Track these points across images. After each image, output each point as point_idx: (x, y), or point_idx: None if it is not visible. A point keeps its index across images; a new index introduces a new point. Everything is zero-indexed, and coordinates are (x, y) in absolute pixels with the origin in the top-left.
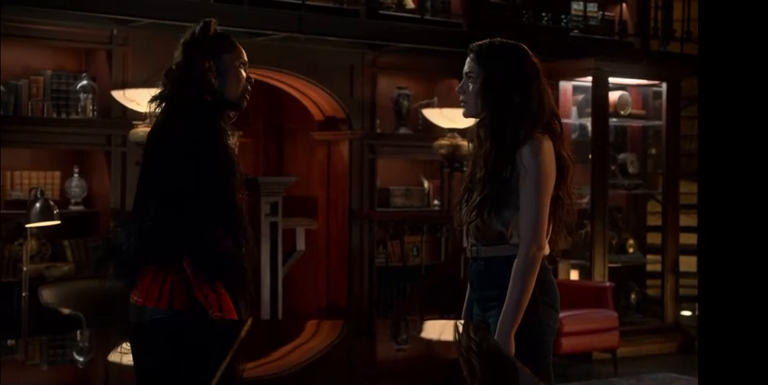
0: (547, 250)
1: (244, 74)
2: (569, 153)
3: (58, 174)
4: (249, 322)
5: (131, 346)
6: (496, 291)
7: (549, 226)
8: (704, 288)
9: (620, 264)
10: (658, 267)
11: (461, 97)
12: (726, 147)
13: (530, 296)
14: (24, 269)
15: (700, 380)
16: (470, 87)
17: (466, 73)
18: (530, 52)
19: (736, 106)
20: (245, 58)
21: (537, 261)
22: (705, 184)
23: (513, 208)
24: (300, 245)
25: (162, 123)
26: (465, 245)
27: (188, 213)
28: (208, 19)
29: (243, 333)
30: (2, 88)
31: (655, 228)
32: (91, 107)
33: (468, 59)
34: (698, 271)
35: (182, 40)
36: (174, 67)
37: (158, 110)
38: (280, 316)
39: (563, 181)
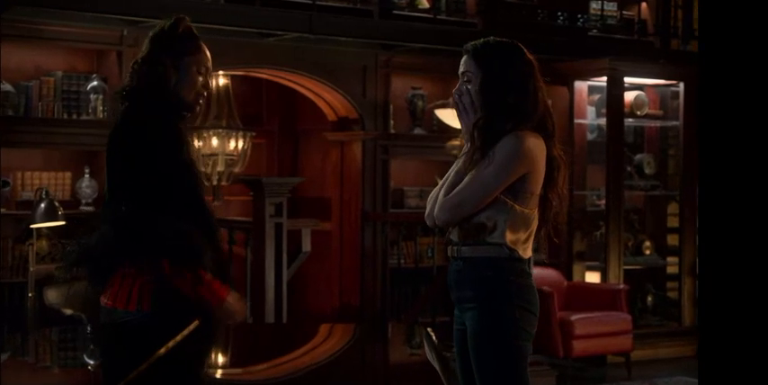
0: (528, 254)
1: (200, 79)
2: (562, 154)
3: (68, 174)
4: (191, 326)
5: (97, 347)
6: (472, 292)
7: (527, 232)
8: (704, 288)
9: (637, 267)
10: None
11: (455, 98)
12: (726, 147)
13: None
14: (31, 269)
15: (700, 380)
16: (467, 88)
17: (462, 73)
18: (525, 50)
19: (735, 106)
20: (208, 64)
21: (434, 220)
22: (705, 184)
23: (495, 202)
24: (306, 246)
25: (123, 123)
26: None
27: (159, 214)
28: (180, 16)
29: (178, 337)
30: (12, 89)
31: (675, 230)
32: (101, 108)
33: (463, 60)
34: (698, 271)
35: (150, 34)
36: (139, 61)
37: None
38: (284, 317)
39: (553, 181)
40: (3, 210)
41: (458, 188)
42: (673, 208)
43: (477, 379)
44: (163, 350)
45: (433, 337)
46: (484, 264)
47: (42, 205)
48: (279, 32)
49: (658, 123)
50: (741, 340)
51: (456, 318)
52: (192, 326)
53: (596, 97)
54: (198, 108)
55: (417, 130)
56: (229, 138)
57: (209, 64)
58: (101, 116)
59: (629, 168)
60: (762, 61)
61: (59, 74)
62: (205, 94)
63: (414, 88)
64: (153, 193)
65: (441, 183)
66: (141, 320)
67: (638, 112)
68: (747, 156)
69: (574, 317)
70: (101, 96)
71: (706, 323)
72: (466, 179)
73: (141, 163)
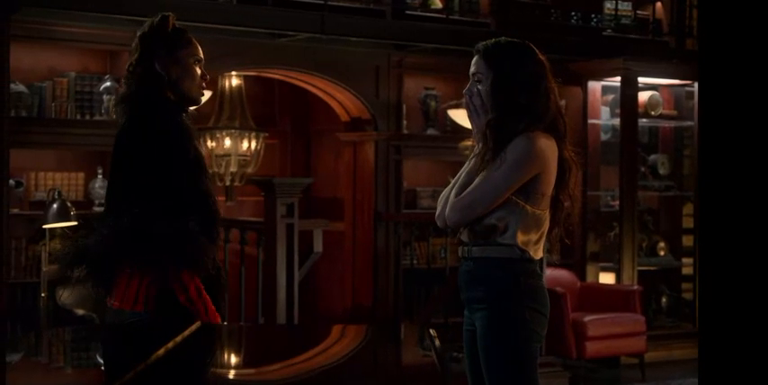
0: (539, 255)
1: (198, 70)
2: (573, 155)
3: (81, 175)
4: (193, 327)
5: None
6: (483, 292)
7: (538, 233)
8: (704, 288)
9: (652, 268)
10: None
11: (466, 98)
12: (726, 148)
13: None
14: (43, 269)
15: (700, 380)
16: (478, 89)
17: (473, 74)
18: (536, 50)
19: (736, 106)
20: (201, 55)
21: (445, 221)
22: (705, 185)
23: (506, 203)
24: (318, 246)
25: (128, 124)
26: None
27: (164, 214)
28: (166, 13)
29: (178, 338)
30: (26, 90)
31: (689, 231)
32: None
33: (474, 60)
34: (698, 272)
35: (139, 33)
36: (134, 62)
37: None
38: (296, 318)
39: (564, 183)
40: (16, 210)
41: (469, 189)
42: (688, 208)
43: (487, 380)
44: (162, 351)
45: (435, 339)
46: (494, 264)
47: (55, 205)
48: (291, 33)
49: (673, 123)
50: (741, 341)
51: (466, 319)
52: (193, 328)
53: (610, 97)
54: (202, 100)
55: (430, 131)
56: (242, 139)
57: (201, 55)
58: (114, 117)
59: (643, 169)
60: (762, 61)
61: (72, 74)
62: (204, 85)
63: (427, 88)
64: (159, 193)
65: (452, 183)
66: (149, 321)
67: (653, 113)
68: (747, 156)
69: (587, 319)
70: (114, 97)
71: (706, 324)
72: (477, 180)
73: (150, 165)
